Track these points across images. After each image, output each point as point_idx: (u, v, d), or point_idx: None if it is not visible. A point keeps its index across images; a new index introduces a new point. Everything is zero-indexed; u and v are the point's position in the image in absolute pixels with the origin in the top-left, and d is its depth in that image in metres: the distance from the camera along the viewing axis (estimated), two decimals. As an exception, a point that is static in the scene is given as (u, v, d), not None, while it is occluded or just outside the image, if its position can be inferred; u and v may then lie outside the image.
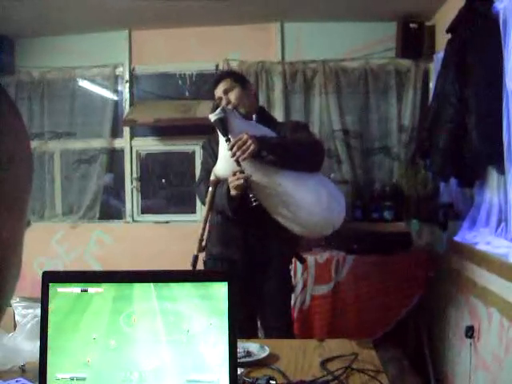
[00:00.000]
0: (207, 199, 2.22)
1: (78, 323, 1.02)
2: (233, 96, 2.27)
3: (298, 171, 2.16)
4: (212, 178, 2.20)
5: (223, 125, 2.07)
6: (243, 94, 2.29)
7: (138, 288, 1.04)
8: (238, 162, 2.02)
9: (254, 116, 2.31)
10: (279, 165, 2.11)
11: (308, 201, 2.14)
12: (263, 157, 2.07)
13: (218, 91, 2.30)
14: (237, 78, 2.36)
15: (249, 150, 1.99)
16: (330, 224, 2.21)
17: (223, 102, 2.27)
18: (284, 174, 2.12)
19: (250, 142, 1.99)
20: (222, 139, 2.11)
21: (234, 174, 2.03)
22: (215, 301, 1.03)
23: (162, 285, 1.04)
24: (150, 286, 1.04)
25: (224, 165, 2.13)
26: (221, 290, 1.03)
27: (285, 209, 2.14)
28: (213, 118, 2.09)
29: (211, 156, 2.32)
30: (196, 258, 2.26)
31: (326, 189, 2.21)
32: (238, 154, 1.99)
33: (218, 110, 2.10)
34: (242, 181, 2.01)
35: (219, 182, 2.17)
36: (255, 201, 2.00)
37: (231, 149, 2.01)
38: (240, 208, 2.12)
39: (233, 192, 2.06)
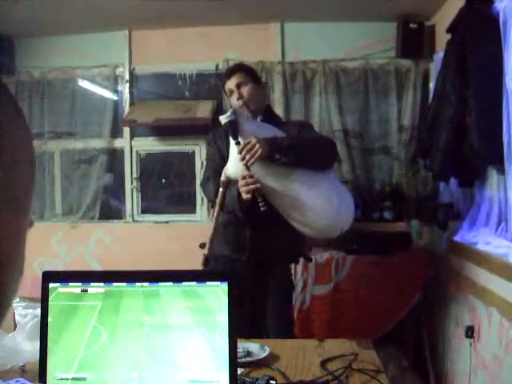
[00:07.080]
0: (218, 200, 2.17)
1: (78, 323, 1.02)
2: (245, 91, 2.23)
3: (312, 170, 2.14)
4: (222, 178, 2.17)
5: (233, 128, 2.04)
6: (255, 91, 2.25)
7: (138, 288, 1.04)
8: (247, 167, 2.01)
9: (258, 118, 2.26)
10: (293, 165, 2.08)
11: (319, 205, 2.12)
12: (276, 159, 2.03)
13: (231, 84, 2.25)
14: (250, 72, 2.31)
15: (257, 155, 1.96)
16: (337, 227, 2.21)
17: (235, 96, 2.24)
18: (296, 178, 2.10)
19: (258, 146, 1.96)
20: (232, 140, 2.09)
21: (244, 178, 2.02)
22: (215, 301, 1.03)
23: (162, 285, 1.04)
24: (150, 286, 1.04)
25: (235, 166, 2.10)
26: (221, 290, 1.03)
27: (296, 213, 2.13)
28: (223, 120, 2.05)
29: (217, 153, 2.28)
30: (207, 258, 2.22)
31: (336, 193, 2.19)
32: (247, 158, 1.97)
33: (229, 113, 2.06)
34: (250, 186, 1.99)
35: (230, 182, 2.15)
36: (264, 206, 1.99)
37: (240, 152, 1.99)
38: (250, 210, 2.10)
39: (244, 196, 2.04)
